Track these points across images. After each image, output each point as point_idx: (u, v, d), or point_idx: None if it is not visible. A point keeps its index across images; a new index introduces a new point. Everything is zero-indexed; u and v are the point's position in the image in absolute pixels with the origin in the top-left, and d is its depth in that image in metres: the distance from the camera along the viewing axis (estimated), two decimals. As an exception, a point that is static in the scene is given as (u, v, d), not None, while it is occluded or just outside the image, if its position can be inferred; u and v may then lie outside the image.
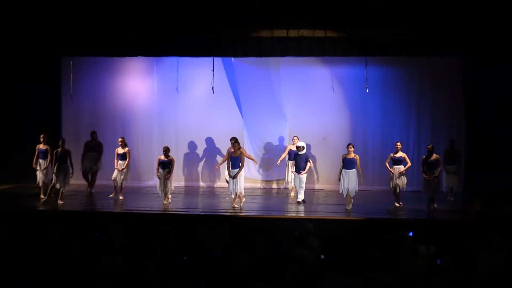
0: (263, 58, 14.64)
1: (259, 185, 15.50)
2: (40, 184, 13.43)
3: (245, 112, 15.36)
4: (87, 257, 8.12)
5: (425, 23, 12.70)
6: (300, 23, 13.05)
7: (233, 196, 12.59)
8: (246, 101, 15.35)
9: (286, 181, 14.65)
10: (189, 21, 13.23)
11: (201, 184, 15.68)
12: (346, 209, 12.32)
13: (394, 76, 15.13)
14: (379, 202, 13.13)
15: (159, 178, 12.74)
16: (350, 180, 12.35)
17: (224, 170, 13.96)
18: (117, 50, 13.86)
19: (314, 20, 12.95)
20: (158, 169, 12.79)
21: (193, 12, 13.14)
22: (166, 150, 12.73)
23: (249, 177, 15.10)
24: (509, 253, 8.25)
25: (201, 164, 15.66)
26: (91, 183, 14.24)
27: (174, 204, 12.83)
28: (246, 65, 15.17)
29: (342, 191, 12.51)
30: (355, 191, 12.45)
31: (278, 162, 14.35)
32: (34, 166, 13.40)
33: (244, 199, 12.79)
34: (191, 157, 15.57)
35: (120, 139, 13.63)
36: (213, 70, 14.52)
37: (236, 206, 12.49)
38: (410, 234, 9.33)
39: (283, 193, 14.75)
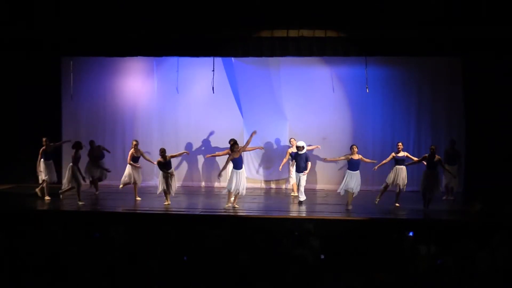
0: (263, 58, 14.65)
1: (259, 185, 15.51)
2: (44, 185, 13.42)
3: (245, 112, 15.36)
4: (87, 257, 8.12)
5: (425, 23, 12.70)
6: (300, 23, 13.06)
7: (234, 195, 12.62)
8: (246, 101, 15.35)
9: (287, 180, 14.63)
10: (189, 21, 13.23)
11: (201, 184, 15.68)
12: (347, 209, 12.32)
13: (394, 76, 15.14)
14: (379, 202, 13.11)
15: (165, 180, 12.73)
16: (355, 181, 12.38)
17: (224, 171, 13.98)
18: (117, 50, 13.88)
19: (314, 20, 12.96)
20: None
21: (193, 12, 13.15)
22: (163, 152, 12.71)
23: (249, 177, 15.09)
24: (509, 253, 8.25)
25: (201, 164, 15.66)
26: (96, 186, 14.24)
27: (174, 204, 12.82)
28: (246, 65, 15.18)
29: (341, 190, 12.52)
30: (357, 192, 12.48)
31: (280, 167, 14.34)
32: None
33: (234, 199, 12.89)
34: (191, 157, 15.56)
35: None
36: (213, 70, 14.53)
37: (236, 206, 12.49)
38: (410, 234, 9.33)
39: (283, 193, 14.75)
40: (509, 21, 12.47)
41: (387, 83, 15.09)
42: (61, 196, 13.05)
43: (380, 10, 12.68)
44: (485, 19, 12.49)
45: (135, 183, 13.40)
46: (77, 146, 13.03)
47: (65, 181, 13.06)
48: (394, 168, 12.77)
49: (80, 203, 12.69)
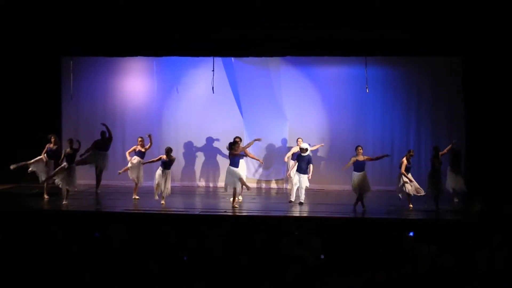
0: (263, 58, 14.65)
1: (259, 185, 15.51)
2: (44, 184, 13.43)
3: (245, 112, 15.36)
4: (87, 257, 8.12)
5: (425, 23, 12.70)
6: (300, 23, 13.04)
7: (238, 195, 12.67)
8: (246, 101, 15.35)
9: (285, 180, 14.64)
10: (189, 21, 13.22)
11: (201, 184, 15.68)
12: (364, 209, 12.32)
13: (394, 76, 15.14)
14: (379, 202, 13.12)
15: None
16: (359, 182, 12.41)
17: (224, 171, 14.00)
18: (117, 50, 13.87)
19: (314, 20, 12.94)
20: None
21: (193, 12, 13.13)
22: (169, 151, 12.75)
23: (249, 177, 15.10)
24: (509, 253, 8.25)
25: (201, 164, 15.66)
26: (97, 182, 14.24)
27: (174, 204, 12.83)
28: (246, 65, 15.17)
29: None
30: (367, 192, 12.54)
31: (285, 158, 14.30)
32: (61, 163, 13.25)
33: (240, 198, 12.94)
34: (191, 157, 15.56)
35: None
36: (213, 70, 14.52)
37: (236, 206, 12.50)
38: (411, 234, 9.33)
39: (283, 193, 14.74)
40: (509, 21, 12.46)
41: (387, 83, 15.09)
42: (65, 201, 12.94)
43: (380, 10, 12.67)
44: (485, 19, 12.48)
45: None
46: (72, 143, 12.97)
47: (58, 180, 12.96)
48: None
49: (65, 202, 12.66)
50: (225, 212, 12.07)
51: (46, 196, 13.32)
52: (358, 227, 11.20)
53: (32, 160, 13.45)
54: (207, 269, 7.73)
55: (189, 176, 15.71)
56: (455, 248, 8.62)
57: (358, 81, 14.70)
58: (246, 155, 13.20)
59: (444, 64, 14.76)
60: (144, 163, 13.46)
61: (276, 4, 12.90)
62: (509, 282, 7.66)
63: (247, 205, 12.90)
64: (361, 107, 15.16)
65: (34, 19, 13.52)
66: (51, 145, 13.54)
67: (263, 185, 15.53)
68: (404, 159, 12.49)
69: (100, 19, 13.32)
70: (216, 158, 15.45)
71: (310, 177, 13.06)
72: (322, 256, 8.34)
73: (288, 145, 15.15)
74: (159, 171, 12.75)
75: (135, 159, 13.50)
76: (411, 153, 12.57)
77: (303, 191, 12.95)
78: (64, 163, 12.83)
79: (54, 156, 13.56)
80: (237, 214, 12.03)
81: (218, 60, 14.78)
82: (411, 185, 12.44)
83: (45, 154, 13.53)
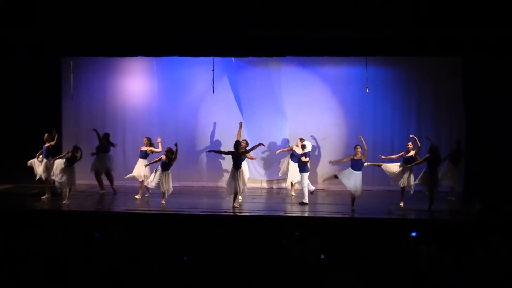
0: (263, 58, 14.65)
1: (259, 185, 15.51)
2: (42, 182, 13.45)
3: (245, 112, 15.35)
4: (87, 257, 8.12)
5: (425, 23, 12.69)
6: (300, 23, 13.04)
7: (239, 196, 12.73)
8: (246, 101, 15.35)
9: (285, 180, 14.65)
10: (189, 21, 13.21)
11: (201, 184, 15.68)
12: (353, 210, 12.29)
13: (394, 76, 15.15)
14: (379, 202, 13.12)
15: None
16: (354, 181, 12.36)
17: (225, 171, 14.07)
18: (117, 50, 13.86)
19: (314, 20, 12.93)
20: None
21: (193, 12, 13.12)
22: (170, 152, 12.80)
23: (250, 177, 15.10)
24: (509, 253, 8.25)
25: (201, 164, 15.66)
26: (110, 181, 14.31)
27: (175, 204, 12.83)
28: (246, 65, 15.18)
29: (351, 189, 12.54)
30: (359, 192, 12.46)
31: (277, 151, 14.38)
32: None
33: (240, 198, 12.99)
34: (191, 157, 15.56)
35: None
36: (213, 70, 14.52)
37: (236, 206, 12.51)
38: (413, 234, 9.33)
39: (283, 193, 14.75)
40: (509, 21, 12.46)
41: (387, 83, 15.10)
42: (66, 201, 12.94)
43: (380, 10, 12.67)
44: (485, 19, 12.48)
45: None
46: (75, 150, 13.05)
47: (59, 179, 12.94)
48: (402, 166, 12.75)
49: (66, 202, 12.70)
50: (225, 212, 12.07)
51: (47, 196, 13.32)
52: (358, 227, 11.20)
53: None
54: (207, 269, 7.73)
55: (189, 176, 15.71)
56: (455, 248, 8.62)
57: (358, 81, 14.71)
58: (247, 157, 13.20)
59: (444, 64, 14.77)
60: (146, 165, 13.48)
61: (276, 4, 12.89)
62: (509, 282, 7.65)
63: (247, 205, 12.90)
64: (361, 107, 15.17)
65: (34, 19, 13.51)
66: (46, 144, 13.52)
67: (263, 185, 15.53)
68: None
69: (100, 19, 13.31)
70: (216, 158, 15.45)
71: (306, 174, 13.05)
72: (322, 256, 8.34)
73: (288, 145, 15.16)
74: (158, 172, 12.76)
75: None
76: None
77: (306, 192, 12.94)
78: (66, 164, 12.85)
79: (51, 153, 13.55)
80: (237, 214, 12.03)
81: (218, 60, 14.77)
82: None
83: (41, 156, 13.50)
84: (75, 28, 13.41)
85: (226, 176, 15.43)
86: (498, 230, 9.41)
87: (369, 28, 12.79)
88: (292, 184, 14.25)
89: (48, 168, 13.37)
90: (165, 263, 7.93)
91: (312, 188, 13.47)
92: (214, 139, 15.53)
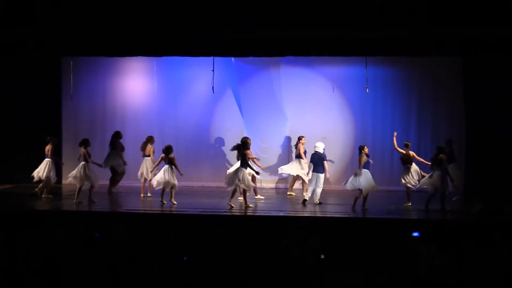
0: (263, 58, 14.65)
1: (259, 185, 15.49)
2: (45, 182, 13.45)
3: (245, 112, 15.35)
4: (87, 257, 8.12)
5: (425, 23, 12.70)
6: (300, 23, 13.04)
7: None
8: (246, 101, 15.35)
9: (285, 180, 14.64)
10: (189, 21, 13.22)
11: (201, 184, 15.67)
12: (366, 208, 12.30)
13: (394, 76, 15.16)
14: (379, 202, 13.12)
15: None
16: (364, 180, 12.41)
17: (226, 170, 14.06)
18: (117, 49, 13.86)
19: (314, 20, 12.94)
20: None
21: (193, 12, 13.13)
22: (168, 150, 12.88)
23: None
24: (509, 253, 8.25)
25: (201, 164, 15.66)
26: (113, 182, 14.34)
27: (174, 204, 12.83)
28: (246, 65, 15.19)
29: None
30: (366, 191, 12.46)
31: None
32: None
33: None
34: (191, 157, 15.55)
35: None
36: (213, 70, 14.53)
37: (251, 206, 12.54)
38: (416, 234, 9.33)
39: (283, 193, 14.74)
40: (509, 21, 12.46)
41: (387, 83, 15.10)
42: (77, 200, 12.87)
43: (380, 10, 12.67)
44: (485, 19, 12.48)
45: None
46: (86, 143, 12.96)
47: (73, 180, 12.91)
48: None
49: (78, 202, 12.67)
50: (225, 212, 12.07)
51: (49, 195, 13.32)
52: (358, 227, 11.19)
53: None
54: (207, 269, 7.73)
55: (189, 176, 15.66)
56: (455, 248, 8.61)
57: (358, 81, 14.73)
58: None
59: (444, 64, 14.77)
60: (152, 170, 13.57)
61: (276, 4, 12.90)
62: (509, 282, 7.65)
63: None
64: (361, 107, 15.18)
65: (34, 19, 13.52)
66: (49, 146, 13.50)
67: (263, 185, 15.53)
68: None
69: (100, 19, 13.32)
70: (216, 158, 15.45)
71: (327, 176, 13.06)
72: (322, 256, 8.34)
73: (288, 145, 15.13)
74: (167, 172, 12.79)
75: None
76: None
77: (310, 190, 12.95)
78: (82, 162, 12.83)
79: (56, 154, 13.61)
80: (237, 214, 12.03)
81: (218, 60, 14.77)
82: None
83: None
84: (75, 28, 13.42)
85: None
86: (498, 230, 9.40)
87: (369, 28, 12.79)
88: (305, 183, 14.16)
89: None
90: (165, 263, 7.93)
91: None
92: (214, 139, 15.52)
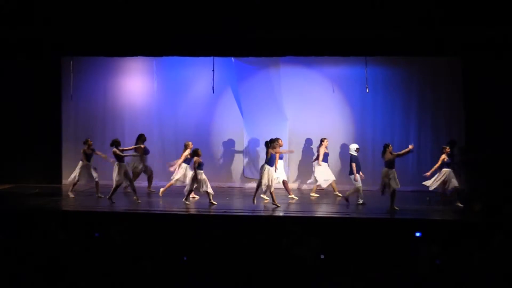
0: (263, 58, 14.64)
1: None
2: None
3: (245, 112, 15.35)
4: (87, 257, 8.13)
5: (425, 23, 12.70)
6: (300, 23, 13.04)
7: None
8: (246, 101, 15.33)
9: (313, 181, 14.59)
10: (189, 21, 13.22)
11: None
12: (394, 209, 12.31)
13: (394, 76, 15.15)
14: (379, 202, 13.11)
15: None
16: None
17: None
18: (117, 50, 13.86)
19: (314, 20, 12.94)
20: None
21: (193, 12, 13.13)
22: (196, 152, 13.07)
23: (250, 176, 15.14)
24: (509, 253, 8.26)
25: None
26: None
27: (175, 204, 12.82)
28: (246, 65, 15.17)
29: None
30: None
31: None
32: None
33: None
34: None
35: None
36: (213, 70, 14.53)
37: (279, 205, 12.60)
38: (418, 234, 9.33)
39: (284, 193, 14.73)
40: (509, 21, 12.46)
41: (387, 83, 15.10)
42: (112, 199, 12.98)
43: (380, 10, 12.67)
44: (485, 19, 12.48)
45: None
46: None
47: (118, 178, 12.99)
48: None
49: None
50: (225, 212, 12.07)
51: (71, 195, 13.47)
52: (358, 227, 11.19)
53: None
54: (207, 269, 7.73)
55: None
56: (455, 248, 8.62)
57: (358, 81, 14.73)
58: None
59: (444, 64, 14.77)
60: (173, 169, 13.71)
61: (276, 4, 12.90)
62: (509, 282, 7.66)
63: (247, 205, 12.89)
64: (361, 107, 15.17)
65: (34, 19, 13.52)
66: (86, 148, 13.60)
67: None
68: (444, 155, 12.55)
69: (100, 19, 13.31)
70: (216, 158, 15.45)
71: (357, 177, 13.00)
72: (322, 256, 8.34)
73: (288, 145, 15.15)
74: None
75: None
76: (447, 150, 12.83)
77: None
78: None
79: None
80: (237, 214, 12.03)
81: (218, 60, 14.77)
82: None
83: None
84: (75, 28, 13.41)
85: (227, 176, 15.53)
86: (498, 230, 9.40)
87: (369, 28, 12.79)
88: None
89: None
90: (165, 263, 7.94)
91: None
92: (214, 139, 15.52)
